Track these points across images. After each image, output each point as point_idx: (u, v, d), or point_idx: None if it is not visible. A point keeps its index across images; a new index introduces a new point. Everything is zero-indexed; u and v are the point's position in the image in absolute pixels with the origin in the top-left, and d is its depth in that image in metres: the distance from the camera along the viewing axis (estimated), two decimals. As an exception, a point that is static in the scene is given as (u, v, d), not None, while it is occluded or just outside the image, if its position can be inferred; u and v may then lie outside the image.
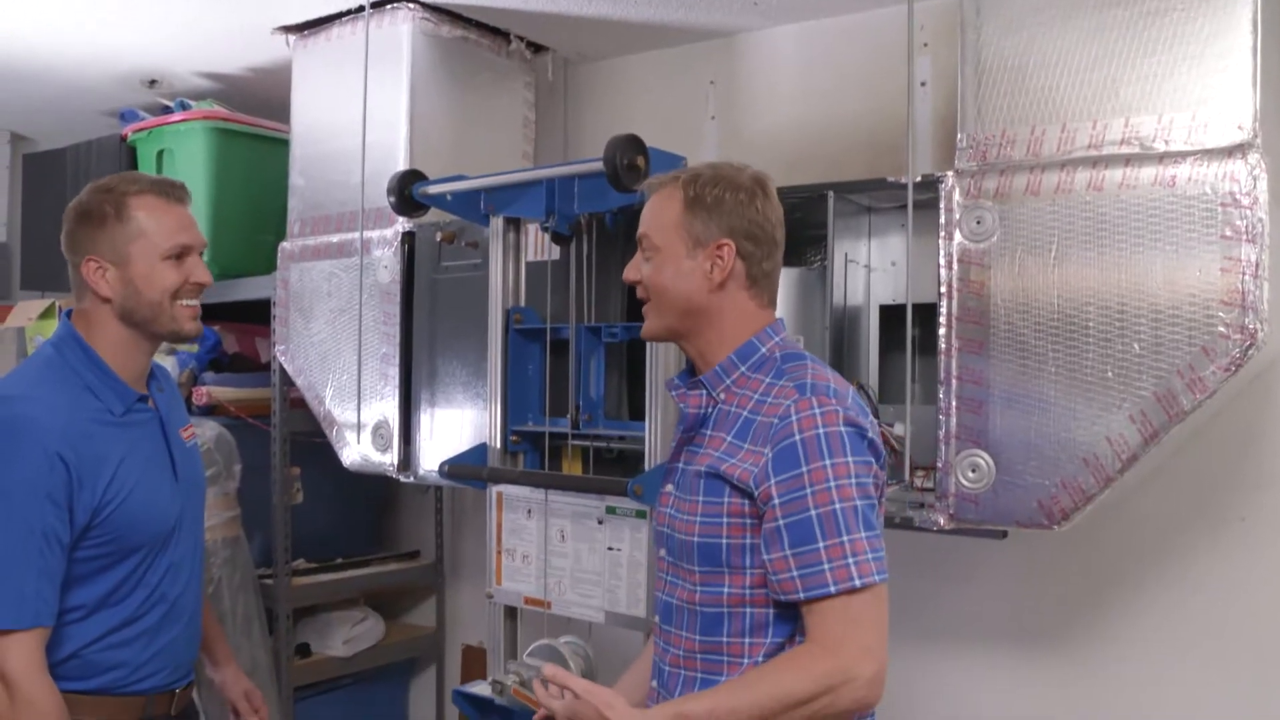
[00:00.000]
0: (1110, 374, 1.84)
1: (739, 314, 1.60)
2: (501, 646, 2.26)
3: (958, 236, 1.98)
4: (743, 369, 1.59)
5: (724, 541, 1.53)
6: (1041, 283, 1.91)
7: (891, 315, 2.29)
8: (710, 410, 1.61)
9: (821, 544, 1.43)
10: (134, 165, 3.32)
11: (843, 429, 1.47)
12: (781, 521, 1.45)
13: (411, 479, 2.68)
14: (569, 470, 2.26)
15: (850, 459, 1.46)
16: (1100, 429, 1.85)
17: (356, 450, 2.74)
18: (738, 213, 1.58)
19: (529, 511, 2.19)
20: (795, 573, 1.44)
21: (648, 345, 2.01)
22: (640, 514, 2.03)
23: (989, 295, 1.95)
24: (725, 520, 1.53)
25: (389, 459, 2.67)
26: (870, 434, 1.51)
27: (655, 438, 2.01)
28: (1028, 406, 1.91)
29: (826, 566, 1.42)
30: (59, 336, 1.87)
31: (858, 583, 1.41)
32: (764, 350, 1.60)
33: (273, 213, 3.10)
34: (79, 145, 3.56)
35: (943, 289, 1.99)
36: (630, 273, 1.66)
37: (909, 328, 2.05)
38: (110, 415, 1.82)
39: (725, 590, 1.54)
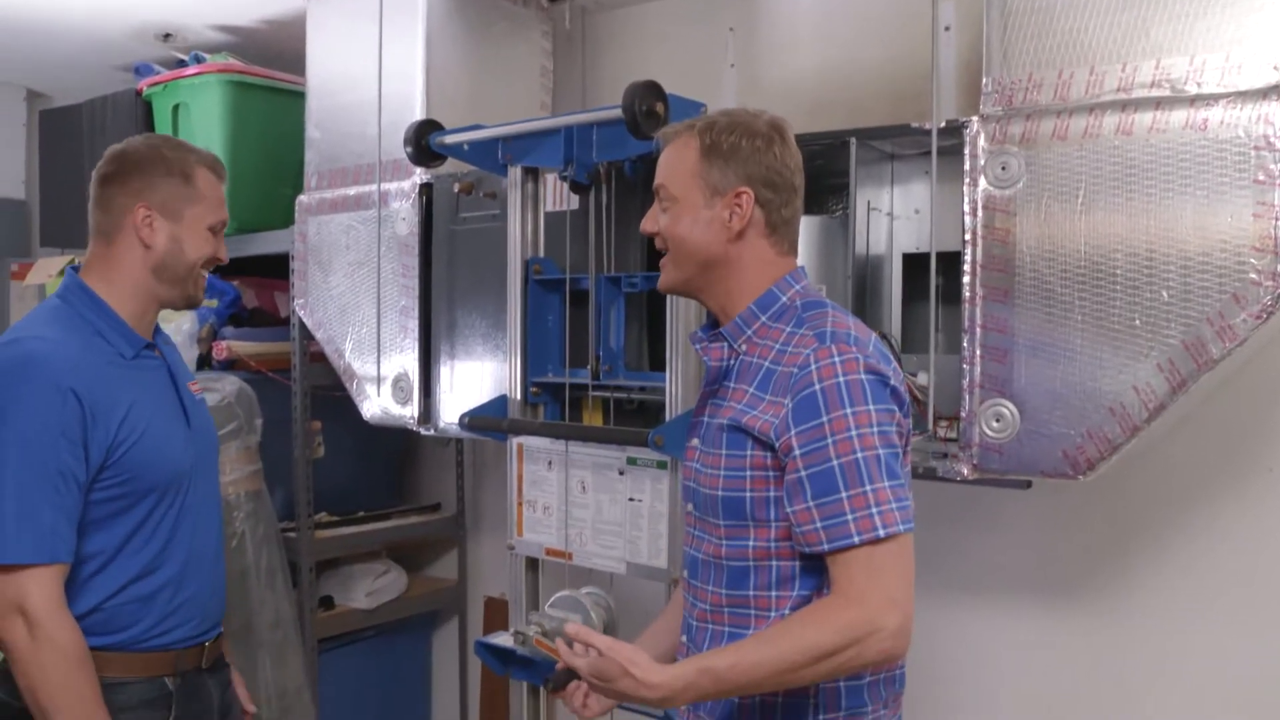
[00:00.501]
0: (1138, 322, 1.82)
1: (759, 263, 1.58)
2: (523, 598, 2.27)
3: (982, 183, 1.94)
4: (763, 319, 1.57)
5: (748, 495, 1.52)
6: (1068, 229, 1.87)
7: (914, 264, 2.26)
8: (732, 362, 1.60)
9: (845, 494, 1.41)
10: (150, 120, 3.31)
11: (863, 376, 1.44)
12: (804, 473, 1.43)
13: (432, 431, 2.68)
14: (589, 421, 2.25)
15: (872, 407, 1.43)
16: (1127, 378, 1.82)
17: (377, 403, 2.74)
18: (755, 159, 1.55)
19: (549, 463, 2.19)
20: (819, 524, 1.42)
21: (668, 295, 1.99)
22: (661, 465, 2.02)
23: (1014, 242, 1.92)
24: (748, 474, 1.51)
25: (409, 412, 2.67)
26: (893, 381, 1.48)
27: (676, 388, 2.00)
28: (1053, 355, 1.89)
29: (850, 517, 1.40)
30: (65, 287, 1.89)
31: (881, 532, 1.39)
32: (784, 299, 1.58)
33: (289, 166, 3.08)
34: (94, 101, 3.55)
35: (967, 236, 1.95)
36: (648, 224, 1.64)
37: (932, 276, 2.03)
38: (121, 358, 1.84)
39: (750, 544, 1.53)
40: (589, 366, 2.19)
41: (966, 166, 1.96)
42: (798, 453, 1.44)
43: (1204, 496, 2.29)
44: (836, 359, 1.45)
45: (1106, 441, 1.85)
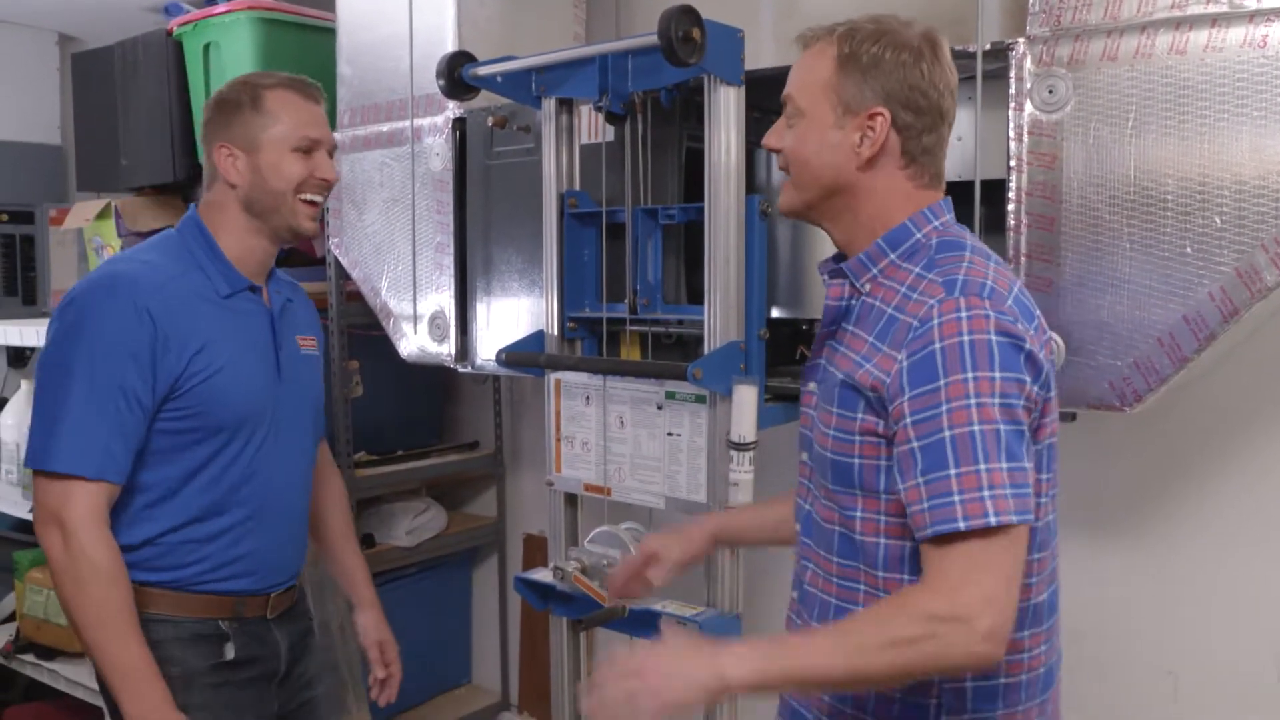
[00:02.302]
0: (1189, 249, 1.77)
1: (892, 194, 1.41)
2: (562, 534, 2.27)
3: (1028, 107, 1.89)
4: (892, 257, 1.40)
5: (856, 461, 1.36)
6: (1117, 155, 1.82)
7: (957, 192, 2.19)
8: (853, 302, 1.44)
9: (954, 471, 1.22)
10: (180, 60, 3.29)
11: (992, 337, 1.25)
12: (915, 444, 1.25)
13: (469, 369, 2.68)
14: (627, 356, 2.23)
15: (997, 374, 1.23)
16: (1177, 307, 1.78)
17: (414, 341, 2.74)
18: (898, 75, 1.37)
19: (587, 398, 2.18)
20: (926, 504, 1.23)
21: (706, 227, 1.96)
22: (700, 399, 2.00)
23: (1061, 169, 1.87)
24: (858, 439, 1.35)
25: (446, 349, 2.67)
26: (1029, 345, 1.28)
27: (714, 321, 1.97)
28: (1100, 284, 1.84)
29: (958, 498, 1.21)
30: (183, 220, 1.92)
31: (992, 520, 1.19)
32: (919, 236, 1.40)
33: (321, 103, 3.06)
34: (125, 42, 3.53)
35: (1011, 163, 1.91)
36: (771, 139, 1.47)
37: (976, 205, 1.98)
38: (215, 294, 1.85)
39: (858, 514, 1.38)
40: (626, 300, 2.17)
41: (1011, 90, 1.90)
42: (909, 420, 1.27)
43: (1249, 431, 2.26)
44: (963, 314, 1.26)
45: (1155, 373, 1.81)
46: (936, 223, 1.42)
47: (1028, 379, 1.27)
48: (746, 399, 1.90)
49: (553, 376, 2.23)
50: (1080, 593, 2.45)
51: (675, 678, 1.23)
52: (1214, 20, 1.73)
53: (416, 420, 3.54)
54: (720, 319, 1.97)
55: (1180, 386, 1.88)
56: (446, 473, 3.44)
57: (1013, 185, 1.91)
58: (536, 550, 3.46)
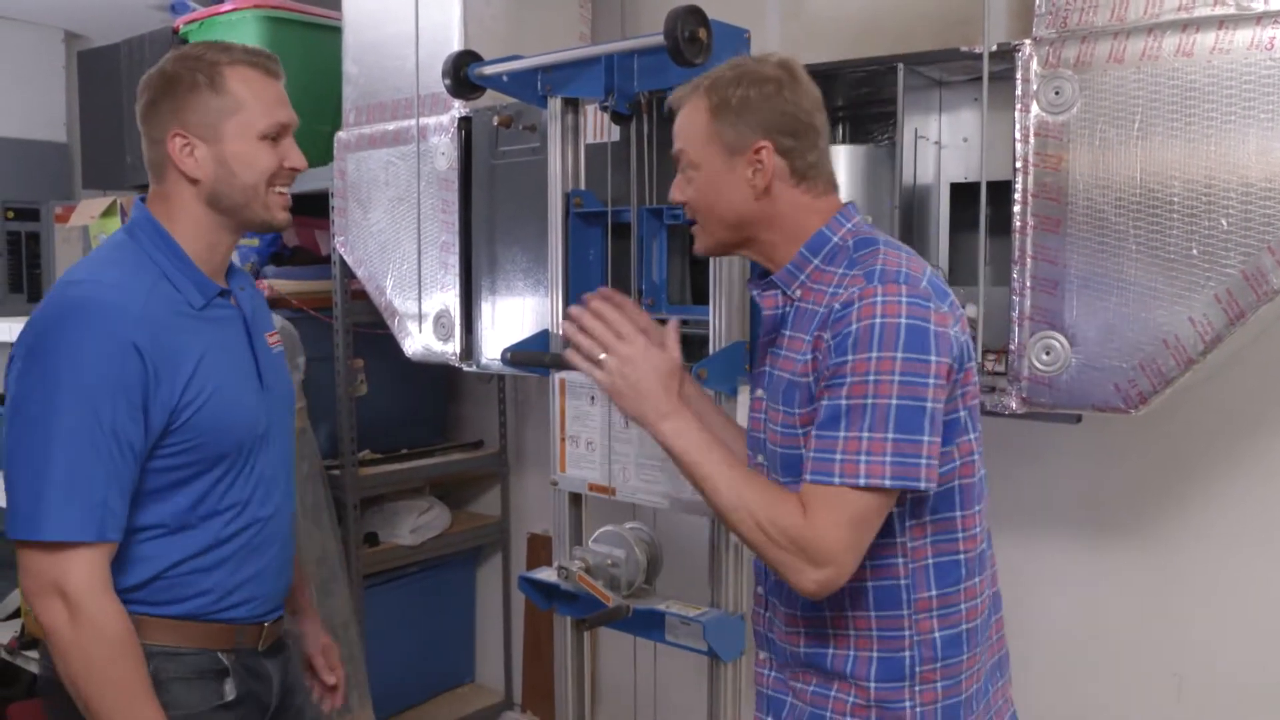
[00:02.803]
0: (1195, 251, 1.77)
1: (797, 210, 1.54)
2: (567, 533, 2.26)
3: (1035, 109, 1.89)
4: (816, 262, 1.53)
5: (801, 452, 1.48)
6: (1123, 156, 1.82)
7: (963, 193, 2.21)
8: (788, 309, 1.56)
9: (841, 434, 1.39)
10: (187, 58, 3.29)
11: (903, 321, 1.38)
12: (824, 403, 1.42)
13: (474, 368, 2.68)
14: (632, 356, 2.23)
15: (899, 354, 1.38)
16: (1182, 309, 1.78)
17: (418, 340, 2.74)
18: (768, 107, 1.50)
19: (592, 398, 2.18)
20: (811, 453, 1.41)
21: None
22: (705, 399, 2.00)
23: (1067, 170, 1.87)
24: (800, 431, 1.48)
25: (451, 348, 2.67)
26: (935, 325, 1.40)
27: (719, 321, 1.97)
28: (1106, 286, 1.84)
29: (838, 456, 1.38)
30: (133, 221, 1.68)
31: (861, 481, 1.36)
32: (836, 239, 1.53)
33: (327, 102, 3.06)
34: (131, 40, 3.54)
35: (1018, 164, 1.91)
36: (675, 194, 1.61)
37: (982, 206, 1.98)
38: (190, 307, 1.63)
39: None
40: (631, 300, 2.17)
41: (1018, 92, 1.90)
42: (824, 385, 1.43)
43: (1254, 433, 2.26)
44: (879, 299, 1.40)
45: (1160, 374, 1.81)
46: (849, 225, 1.54)
47: (936, 357, 1.40)
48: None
49: (558, 376, 2.23)
50: (1085, 593, 2.47)
51: (636, 394, 1.55)
52: (1221, 22, 1.73)
53: (421, 419, 3.55)
54: (725, 319, 1.97)
55: (1185, 389, 1.87)
56: (450, 472, 3.45)
57: (1019, 186, 1.91)
58: (541, 549, 3.46)
